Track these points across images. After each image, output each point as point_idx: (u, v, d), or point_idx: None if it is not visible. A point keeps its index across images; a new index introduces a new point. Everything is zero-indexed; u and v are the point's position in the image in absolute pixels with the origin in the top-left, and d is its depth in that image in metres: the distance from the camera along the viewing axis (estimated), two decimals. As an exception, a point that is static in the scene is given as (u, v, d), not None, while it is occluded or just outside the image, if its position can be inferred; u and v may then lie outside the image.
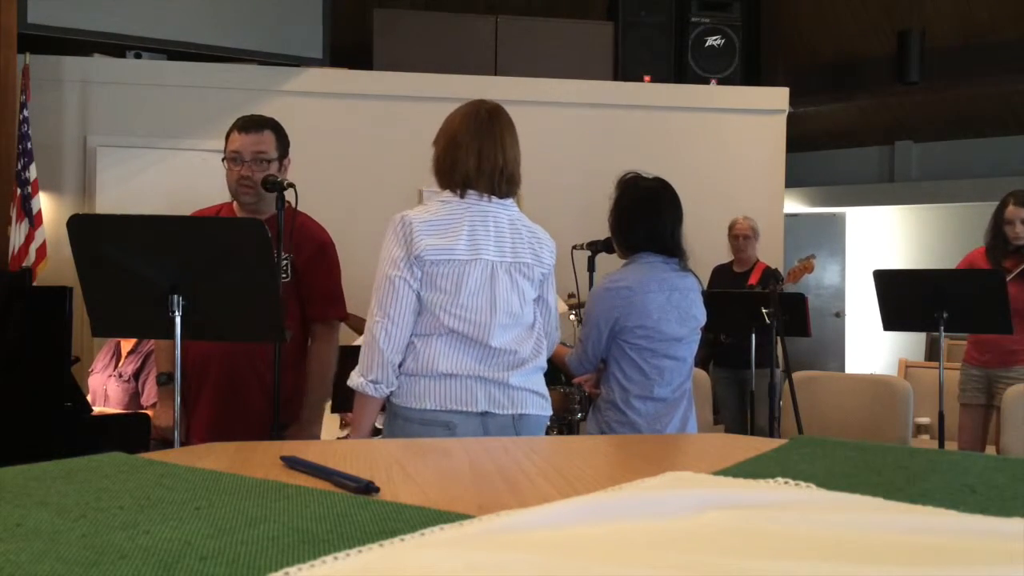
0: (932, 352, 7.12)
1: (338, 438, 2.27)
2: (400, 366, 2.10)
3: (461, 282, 2.07)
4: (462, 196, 2.13)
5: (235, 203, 2.62)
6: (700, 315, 2.76)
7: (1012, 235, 3.80)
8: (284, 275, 2.52)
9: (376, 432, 2.39)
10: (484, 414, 2.09)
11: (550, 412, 2.23)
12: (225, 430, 2.46)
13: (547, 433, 3.60)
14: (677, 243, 2.72)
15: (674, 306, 2.67)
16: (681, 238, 2.74)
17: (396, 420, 2.11)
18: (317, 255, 2.60)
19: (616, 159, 4.30)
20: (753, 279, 4.85)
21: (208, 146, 5.03)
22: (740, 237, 4.92)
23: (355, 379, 2.11)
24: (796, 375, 3.95)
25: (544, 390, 2.22)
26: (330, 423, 3.58)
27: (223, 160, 2.57)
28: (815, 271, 8.72)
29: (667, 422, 2.68)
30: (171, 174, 5.30)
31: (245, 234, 2.15)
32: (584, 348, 2.72)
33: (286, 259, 2.52)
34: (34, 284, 4.26)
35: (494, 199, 2.15)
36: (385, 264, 2.09)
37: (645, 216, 2.71)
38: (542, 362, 2.23)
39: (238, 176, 2.53)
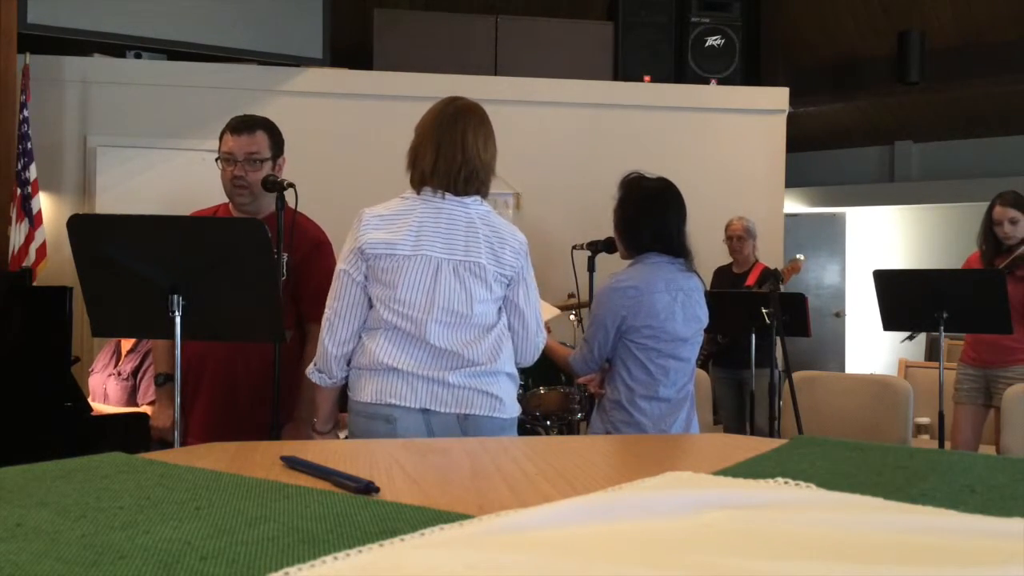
0: (932, 352, 7.12)
1: (312, 427, 2.32)
2: (351, 361, 2.15)
3: (399, 277, 2.07)
4: (418, 193, 2.14)
5: (231, 204, 2.62)
6: (704, 316, 2.76)
7: (1002, 235, 3.82)
8: (282, 275, 2.52)
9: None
10: (425, 411, 2.06)
11: (509, 415, 2.15)
12: (221, 430, 2.46)
13: (547, 433, 3.60)
14: (682, 243, 2.72)
15: (680, 306, 2.66)
16: (686, 238, 2.73)
17: (350, 414, 2.15)
18: (312, 254, 2.60)
19: (616, 159, 4.30)
20: (751, 280, 4.85)
21: (208, 146, 4.99)
22: (734, 238, 4.92)
23: (309, 367, 2.21)
24: (796, 375, 3.95)
25: (502, 392, 2.13)
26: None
27: (217, 160, 2.57)
28: (814, 272, 8.81)
29: (671, 422, 2.68)
30: (171, 174, 5.30)
31: (245, 234, 2.15)
32: (590, 348, 2.71)
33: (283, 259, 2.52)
34: (34, 284, 4.26)
35: (449, 196, 2.12)
36: (339, 258, 2.16)
37: (650, 216, 2.71)
38: (505, 366, 2.15)
39: (232, 176, 2.53)
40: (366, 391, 2.08)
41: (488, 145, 2.18)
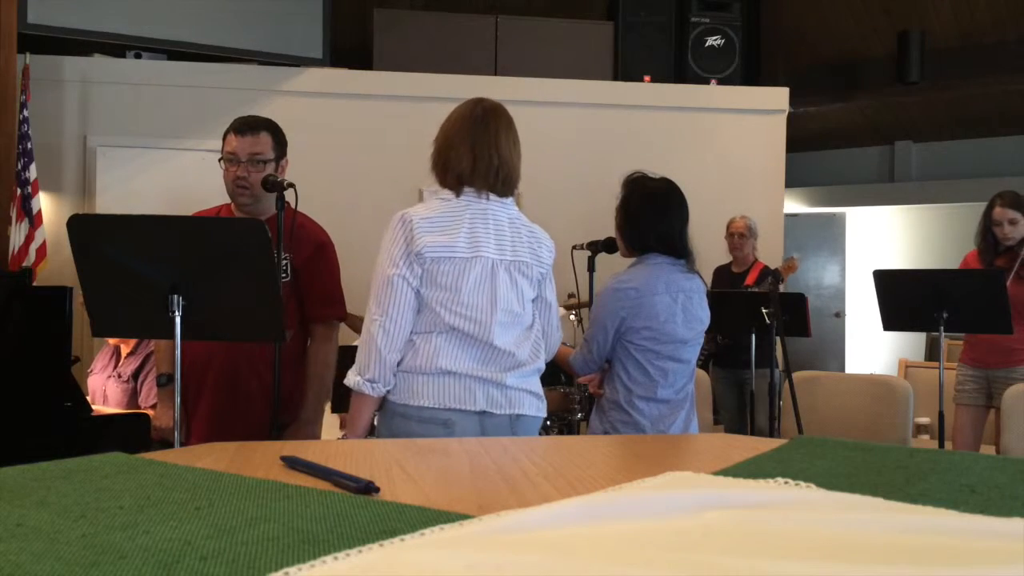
0: (932, 352, 7.12)
1: (338, 439, 2.25)
2: (399, 364, 2.08)
3: (462, 279, 2.06)
4: (458, 195, 2.13)
5: (233, 205, 2.62)
6: (705, 317, 2.75)
7: (1001, 235, 3.82)
8: (283, 275, 2.52)
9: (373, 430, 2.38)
10: (482, 413, 2.07)
11: (545, 413, 2.22)
12: (225, 430, 2.46)
13: (547, 433, 3.61)
14: (684, 244, 2.72)
15: (681, 308, 2.66)
16: (688, 239, 2.73)
17: (394, 418, 2.08)
18: (316, 255, 2.60)
19: (616, 159, 4.31)
20: (750, 279, 4.85)
21: (208, 146, 5.02)
22: (736, 235, 4.92)
23: (352, 378, 2.09)
24: (796, 375, 3.95)
25: (540, 391, 2.20)
26: (330, 423, 3.59)
27: (219, 161, 2.57)
28: (814, 272, 8.81)
29: (670, 423, 2.67)
30: (171, 174, 5.30)
31: (245, 234, 2.15)
32: (589, 348, 2.71)
33: (285, 259, 2.52)
34: (34, 284, 4.26)
35: (492, 197, 2.14)
36: (384, 262, 2.07)
37: (653, 216, 2.70)
38: (540, 364, 2.21)
39: (234, 177, 2.53)
40: (423, 395, 2.05)
41: (517, 147, 2.20)
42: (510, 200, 2.19)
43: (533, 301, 2.22)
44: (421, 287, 2.07)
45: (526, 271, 2.16)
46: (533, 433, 2.17)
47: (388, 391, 2.09)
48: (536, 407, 2.17)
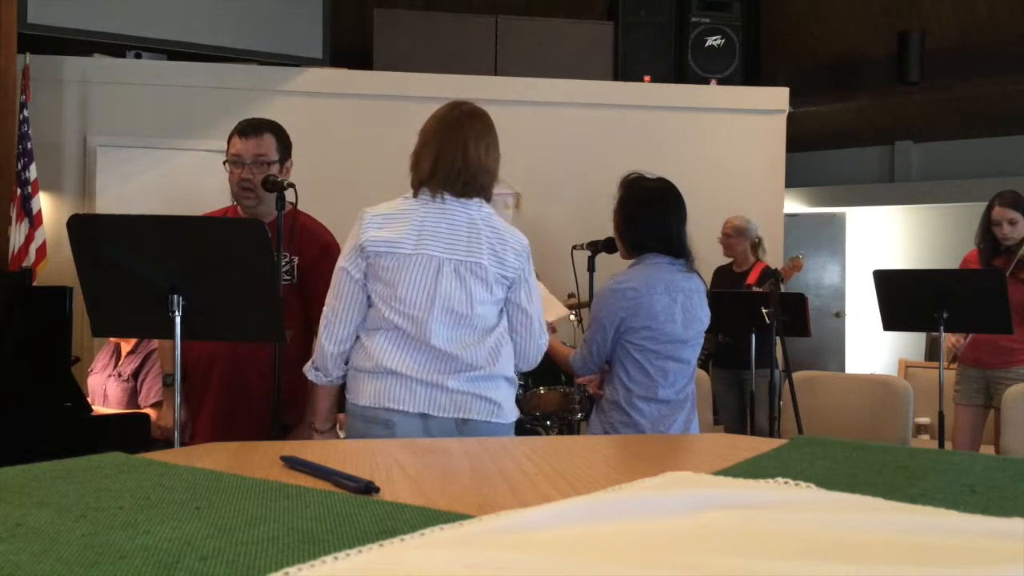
0: (932, 352, 7.12)
1: (311, 425, 2.31)
2: (348, 361, 2.14)
3: (400, 275, 2.06)
4: (416, 195, 2.14)
5: (238, 206, 2.63)
6: (705, 317, 2.75)
7: (1001, 236, 3.82)
8: (288, 277, 2.53)
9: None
10: (423, 415, 2.05)
11: (508, 420, 2.13)
12: (230, 430, 2.47)
13: (547, 433, 3.60)
14: (682, 244, 2.72)
15: (680, 308, 2.66)
16: (686, 239, 2.73)
17: (348, 417, 2.14)
18: (320, 256, 2.61)
19: (616, 159, 4.29)
20: (751, 279, 4.85)
21: (208, 146, 5.02)
22: (725, 235, 4.94)
23: (307, 364, 2.19)
24: (796, 375, 3.95)
25: (500, 396, 2.11)
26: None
27: (224, 163, 2.58)
28: (814, 272, 8.81)
29: (670, 423, 2.67)
30: (171, 174, 5.30)
31: (245, 234, 2.15)
32: (589, 348, 2.71)
33: (289, 261, 2.53)
34: (34, 284, 4.26)
35: (448, 197, 2.11)
36: (341, 256, 2.15)
37: (651, 216, 2.70)
38: (504, 371, 2.13)
39: (239, 179, 2.54)
40: (364, 394, 2.07)
41: (490, 151, 2.16)
42: (475, 201, 2.14)
43: (503, 305, 2.18)
44: (367, 282, 2.10)
45: (480, 272, 2.10)
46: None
47: (345, 388, 2.15)
48: (489, 411, 2.09)
